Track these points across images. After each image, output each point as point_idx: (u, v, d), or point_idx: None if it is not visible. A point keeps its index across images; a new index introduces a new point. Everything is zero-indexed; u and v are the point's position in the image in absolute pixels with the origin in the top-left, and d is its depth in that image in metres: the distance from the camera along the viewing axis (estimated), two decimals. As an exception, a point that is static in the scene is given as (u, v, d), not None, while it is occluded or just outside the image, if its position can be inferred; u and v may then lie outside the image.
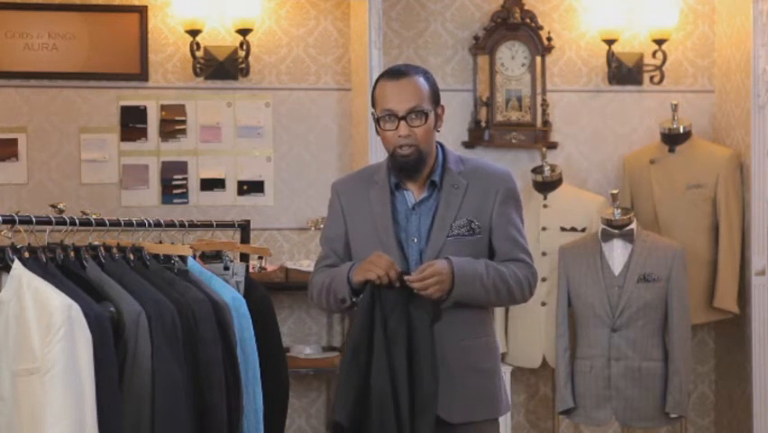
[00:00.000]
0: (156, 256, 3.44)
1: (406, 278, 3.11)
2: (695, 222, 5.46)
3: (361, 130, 5.42)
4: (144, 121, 5.60)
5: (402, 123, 3.18)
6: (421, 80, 3.23)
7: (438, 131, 3.29)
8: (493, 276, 3.20)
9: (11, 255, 2.88)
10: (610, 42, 5.74)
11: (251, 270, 4.05)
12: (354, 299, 3.19)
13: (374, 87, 3.27)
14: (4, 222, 2.97)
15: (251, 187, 5.68)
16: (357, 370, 3.06)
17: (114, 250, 3.27)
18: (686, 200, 5.47)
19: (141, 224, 3.53)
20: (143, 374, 2.99)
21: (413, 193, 3.30)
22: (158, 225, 3.64)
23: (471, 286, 3.16)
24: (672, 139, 5.52)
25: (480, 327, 3.29)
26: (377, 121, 3.24)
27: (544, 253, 5.33)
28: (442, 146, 3.34)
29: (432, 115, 3.23)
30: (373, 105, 3.27)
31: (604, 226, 5.16)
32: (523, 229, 3.34)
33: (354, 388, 3.06)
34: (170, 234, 3.77)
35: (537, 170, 5.49)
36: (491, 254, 3.29)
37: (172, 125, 5.62)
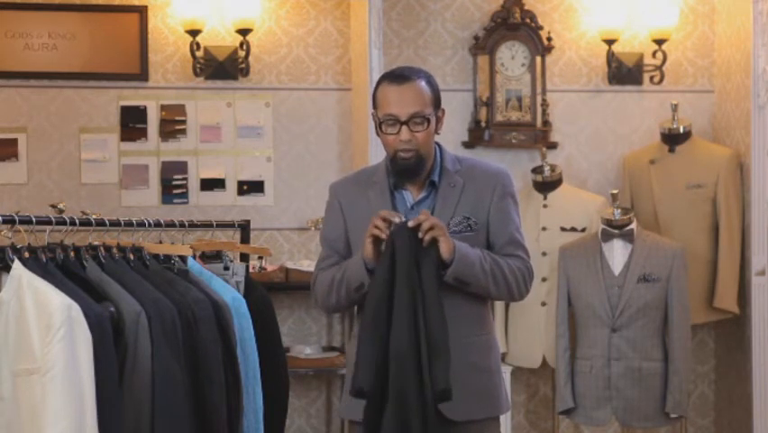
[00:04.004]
0: (156, 256, 3.44)
1: (409, 224, 3.10)
2: (695, 222, 5.47)
3: (361, 130, 5.42)
4: (144, 121, 5.60)
5: (404, 128, 3.19)
6: (423, 85, 3.23)
7: (438, 133, 3.30)
8: (490, 262, 3.21)
9: (11, 255, 2.88)
10: (610, 42, 5.74)
11: (251, 270, 4.06)
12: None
13: (376, 88, 3.27)
14: (4, 222, 2.97)
15: (251, 187, 5.68)
16: (378, 333, 3.05)
17: (114, 250, 3.28)
18: (686, 200, 5.47)
19: (141, 224, 3.54)
20: (143, 374, 2.99)
21: (411, 193, 3.31)
22: (158, 225, 3.64)
23: (471, 265, 3.15)
24: (672, 139, 5.52)
25: (481, 324, 3.29)
26: (379, 125, 3.24)
27: (544, 253, 5.33)
28: (439, 146, 3.35)
29: (433, 120, 3.24)
30: (374, 106, 3.28)
31: (604, 226, 5.16)
32: (520, 226, 3.34)
33: (376, 351, 3.04)
34: (170, 234, 3.77)
35: (537, 170, 5.49)
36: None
37: (172, 125, 5.62)
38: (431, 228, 3.09)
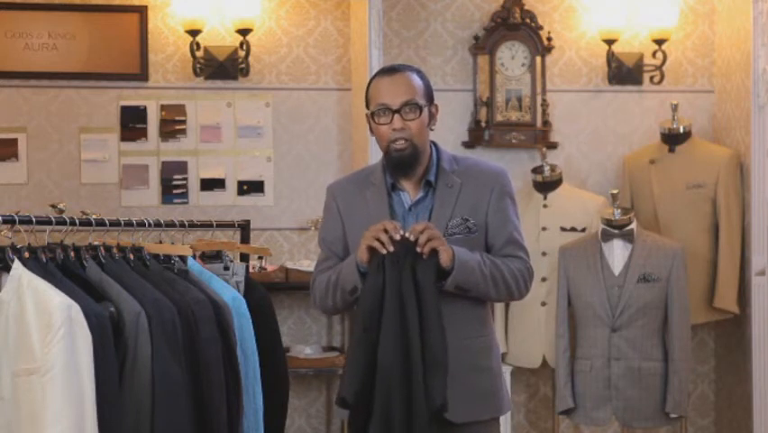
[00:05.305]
0: (156, 256, 3.44)
1: (405, 234, 3.07)
2: (695, 222, 5.47)
3: (361, 130, 5.42)
4: (144, 121, 5.60)
5: (396, 116, 3.20)
6: (414, 76, 3.25)
7: (432, 129, 3.29)
8: (490, 266, 3.20)
9: (11, 255, 2.88)
10: (610, 42, 5.74)
11: (251, 270, 4.06)
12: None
13: (368, 87, 3.29)
14: (4, 222, 2.97)
15: (251, 187, 5.68)
16: (367, 344, 3.03)
17: (114, 250, 3.28)
18: (686, 200, 5.47)
19: (141, 224, 3.54)
20: (143, 374, 2.99)
21: (409, 194, 3.30)
22: (158, 225, 3.64)
23: (471, 271, 3.14)
24: (672, 139, 5.52)
25: (481, 325, 3.28)
26: (371, 116, 3.24)
27: (544, 253, 5.33)
28: (435, 145, 3.34)
29: (426, 111, 3.23)
30: (367, 104, 3.29)
31: (604, 226, 5.16)
32: (519, 226, 3.33)
33: (364, 362, 3.02)
34: (170, 235, 3.77)
35: (537, 170, 5.49)
36: (487, 252, 3.28)
37: (172, 125, 5.62)
38: (429, 239, 3.08)
